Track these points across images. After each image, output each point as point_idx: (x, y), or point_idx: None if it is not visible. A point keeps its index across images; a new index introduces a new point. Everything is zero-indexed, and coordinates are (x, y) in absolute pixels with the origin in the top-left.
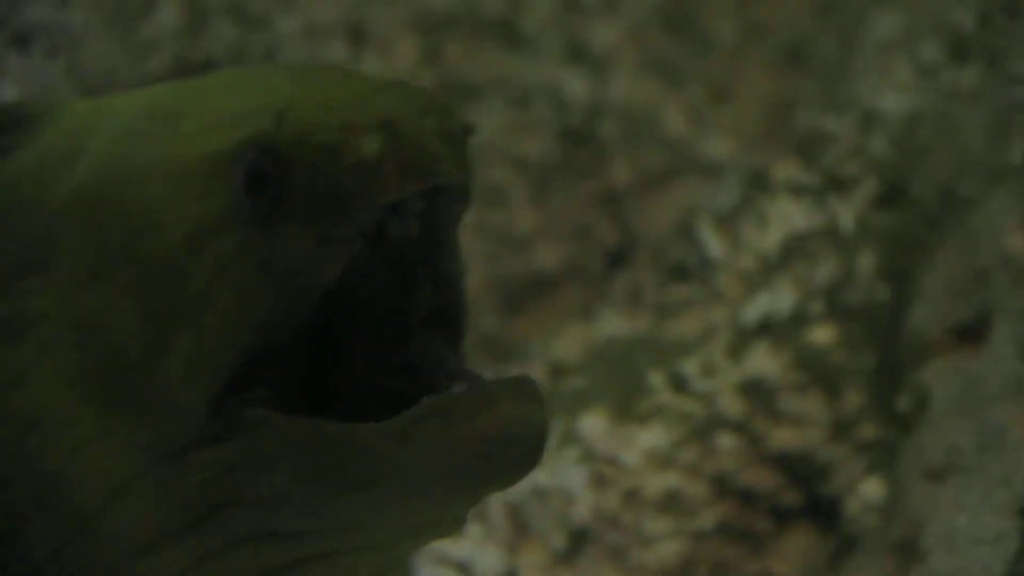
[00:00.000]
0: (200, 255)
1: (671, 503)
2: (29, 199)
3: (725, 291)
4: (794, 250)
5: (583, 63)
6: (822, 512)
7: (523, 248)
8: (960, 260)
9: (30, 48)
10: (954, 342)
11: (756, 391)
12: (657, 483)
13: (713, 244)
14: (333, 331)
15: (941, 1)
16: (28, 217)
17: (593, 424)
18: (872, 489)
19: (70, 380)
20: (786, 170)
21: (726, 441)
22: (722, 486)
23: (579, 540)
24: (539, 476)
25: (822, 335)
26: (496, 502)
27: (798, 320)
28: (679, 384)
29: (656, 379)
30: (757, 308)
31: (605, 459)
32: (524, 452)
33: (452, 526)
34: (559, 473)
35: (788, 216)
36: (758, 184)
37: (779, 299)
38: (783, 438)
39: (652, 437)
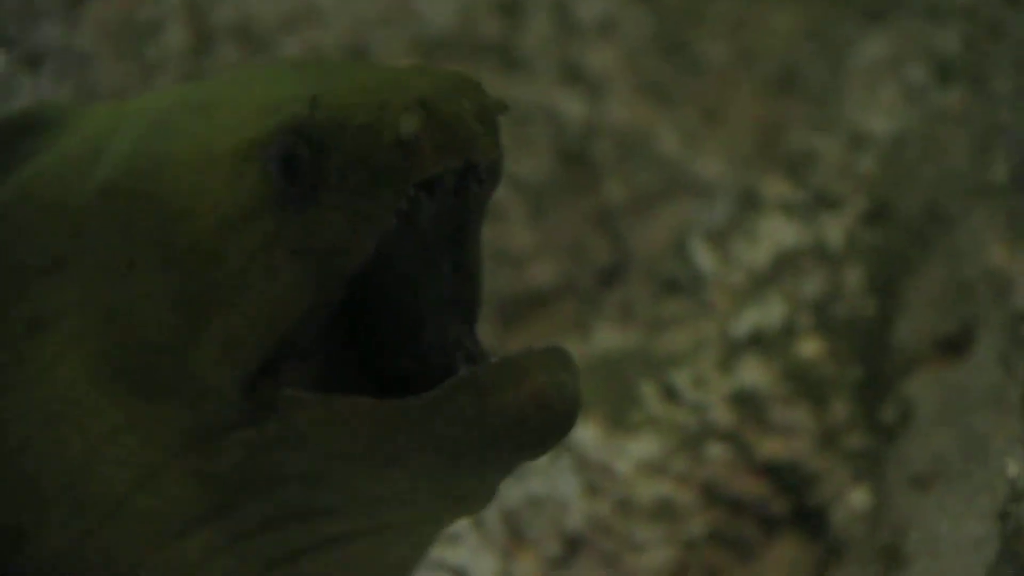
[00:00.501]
0: (234, 240)
1: (662, 511)
2: (51, 199)
3: (716, 305)
4: (784, 265)
5: (579, 85)
6: (809, 520)
7: (519, 264)
8: (944, 275)
9: (40, 69)
10: (938, 354)
11: (746, 402)
12: (649, 491)
13: (705, 260)
14: (356, 313)
15: (927, 25)
16: (50, 216)
17: (587, 434)
18: (858, 497)
19: (97, 371)
20: (776, 188)
21: (716, 451)
22: (712, 494)
23: (573, 547)
24: (534, 485)
25: (810, 348)
26: (492, 510)
27: (787, 333)
28: (671, 395)
29: (648, 390)
30: (747, 322)
31: (598, 468)
32: (557, 420)
33: (480, 502)
34: (553, 482)
35: (778, 233)
36: (749, 202)
37: (769, 313)
38: (772, 448)
39: (644, 447)
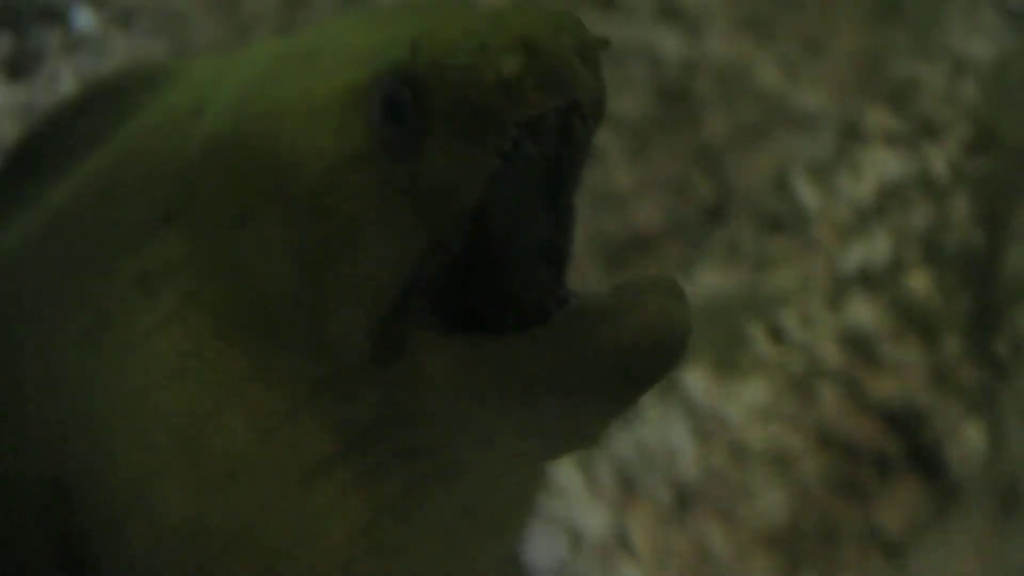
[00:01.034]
0: (344, 188)
1: (775, 456)
2: (157, 155)
3: (821, 242)
4: (888, 198)
5: (677, 21)
6: (924, 460)
7: (622, 206)
8: None
9: (133, 27)
10: None
11: (855, 340)
12: (760, 436)
13: (808, 195)
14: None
15: None
16: (158, 171)
17: (695, 380)
18: (973, 435)
19: (219, 325)
20: (879, 119)
21: (827, 392)
22: (824, 437)
23: (685, 496)
24: (644, 434)
25: (918, 281)
26: (602, 462)
27: (894, 268)
28: (778, 336)
29: (755, 332)
30: (854, 257)
31: (708, 414)
32: (668, 346)
33: (596, 435)
34: (663, 430)
35: (882, 165)
36: (851, 134)
37: (875, 248)
38: (883, 387)
39: (754, 391)
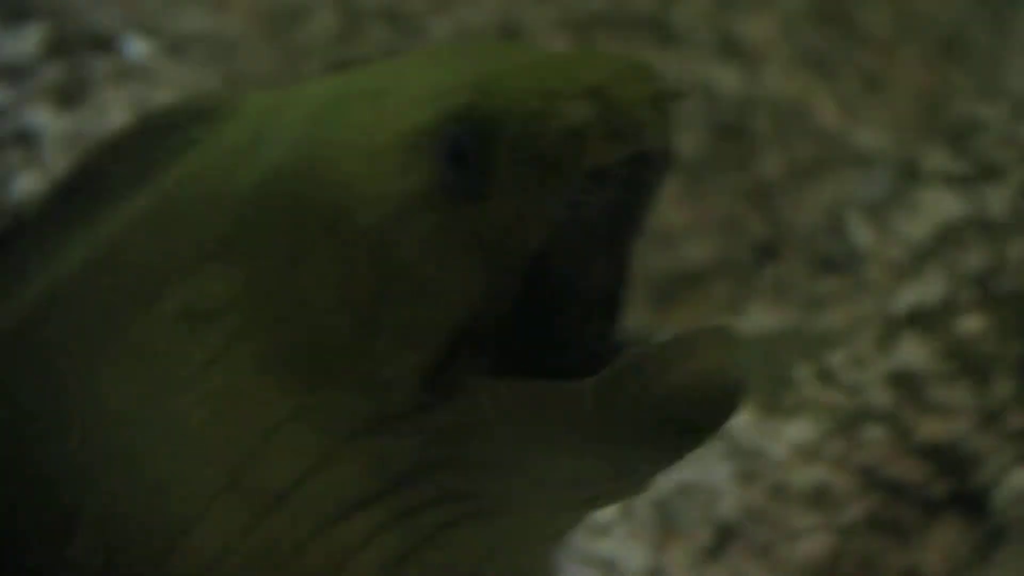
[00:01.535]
0: (405, 231)
1: (818, 496)
2: (213, 187)
3: (874, 282)
4: (945, 239)
5: (735, 57)
6: (970, 503)
7: (673, 242)
8: None
9: (186, 56)
10: None
11: (905, 382)
12: (804, 476)
13: (862, 235)
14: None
15: None
16: (212, 206)
17: (739, 418)
18: (1020, 479)
19: (266, 363)
20: (937, 159)
21: (874, 433)
22: (870, 478)
23: (725, 536)
24: (685, 471)
25: (972, 324)
26: (642, 499)
27: (948, 309)
28: (827, 377)
29: (803, 372)
30: (907, 298)
31: (751, 453)
32: (724, 398)
33: (644, 485)
34: (705, 468)
35: (939, 205)
36: (909, 174)
37: (929, 289)
38: (931, 429)
39: (799, 430)
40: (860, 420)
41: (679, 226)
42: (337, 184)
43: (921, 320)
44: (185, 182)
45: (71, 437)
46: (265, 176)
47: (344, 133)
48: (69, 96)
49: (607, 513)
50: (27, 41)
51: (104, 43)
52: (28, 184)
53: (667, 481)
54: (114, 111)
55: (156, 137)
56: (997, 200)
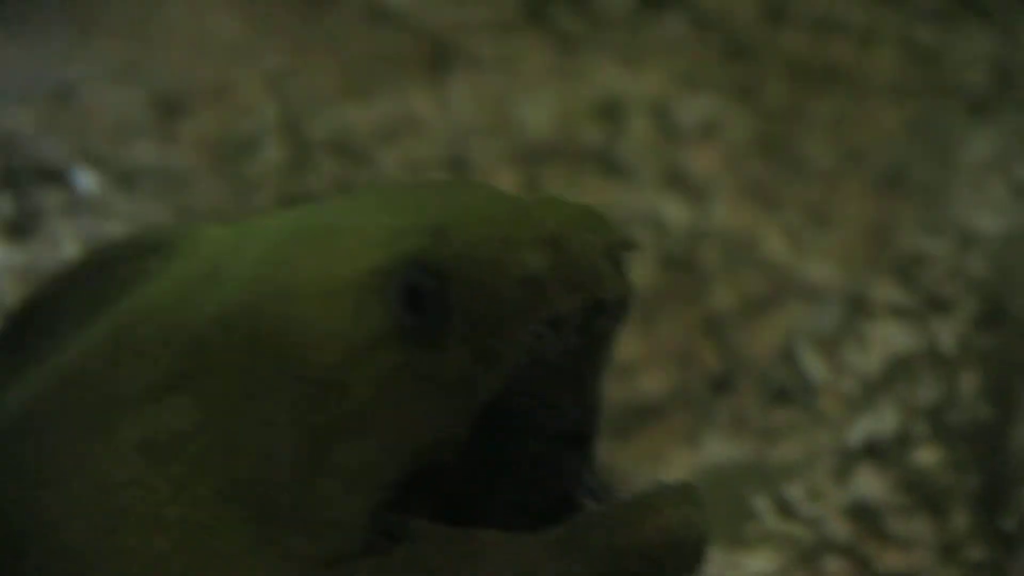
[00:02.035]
0: (359, 372)
1: None
2: (171, 320)
3: (828, 414)
4: (896, 371)
5: (682, 189)
6: None
7: (628, 374)
8: None
9: (135, 189)
10: None
11: (863, 514)
12: None
13: (815, 367)
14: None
15: None
16: (168, 338)
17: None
18: None
19: (223, 496)
20: (886, 292)
21: (834, 565)
22: None
23: None
24: None
25: (927, 456)
26: None
27: (902, 442)
28: (785, 509)
29: (762, 504)
30: (860, 430)
31: None
32: (688, 556)
33: None
34: None
35: (889, 338)
36: (858, 307)
37: (883, 421)
38: (891, 560)
39: (760, 562)
40: (820, 552)
41: (634, 358)
42: (292, 324)
43: (876, 452)
44: (140, 314)
45: (25, 569)
46: (221, 312)
47: (299, 273)
48: (19, 229)
49: None
50: None
51: (53, 175)
52: None
53: None
54: (65, 244)
55: (109, 269)
56: (946, 333)
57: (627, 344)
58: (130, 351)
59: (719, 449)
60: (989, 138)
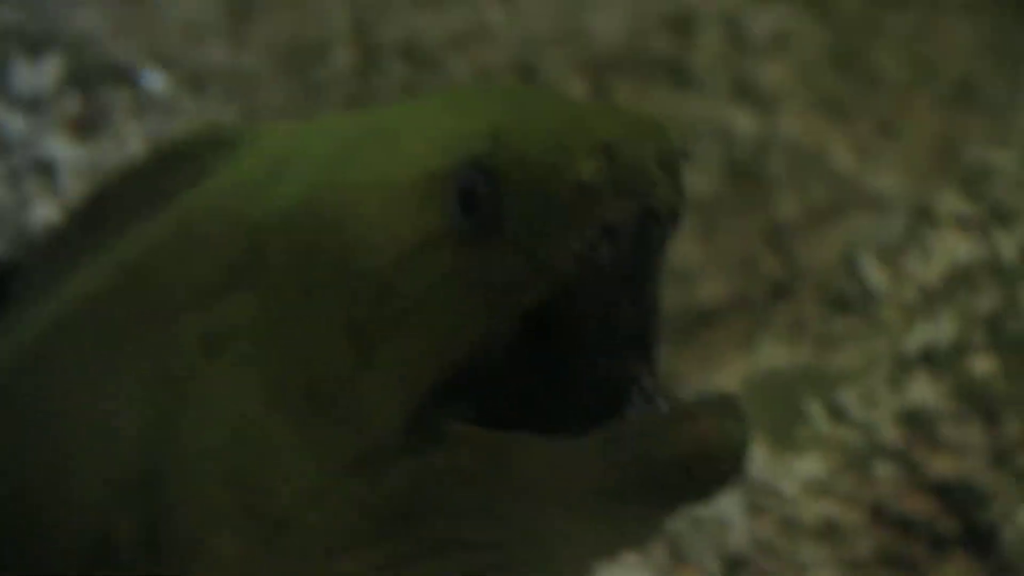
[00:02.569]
0: (412, 272)
1: (828, 531)
2: (231, 218)
3: (887, 322)
4: (957, 281)
5: (751, 101)
6: (979, 540)
7: (689, 281)
8: None
9: (204, 91)
10: None
11: (915, 420)
12: (814, 511)
13: (876, 276)
14: (531, 342)
15: None
16: (230, 235)
17: (751, 453)
18: None
19: (270, 391)
20: (950, 203)
21: (884, 470)
22: (879, 514)
23: (735, 568)
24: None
25: (983, 364)
26: None
27: (959, 350)
28: (838, 414)
29: (815, 409)
30: (918, 339)
31: (762, 487)
32: (722, 469)
33: (642, 539)
34: (716, 501)
35: (952, 248)
36: (923, 217)
37: (941, 330)
38: (941, 466)
39: (810, 466)
40: (871, 457)
41: (695, 265)
42: (350, 223)
43: (932, 360)
44: (204, 209)
45: (87, 456)
46: (282, 209)
47: (360, 174)
48: (87, 127)
49: None
50: (46, 73)
51: (122, 75)
52: (45, 214)
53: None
54: (131, 143)
55: (173, 165)
56: (1009, 244)
57: (689, 250)
58: (194, 246)
59: (776, 355)
60: None
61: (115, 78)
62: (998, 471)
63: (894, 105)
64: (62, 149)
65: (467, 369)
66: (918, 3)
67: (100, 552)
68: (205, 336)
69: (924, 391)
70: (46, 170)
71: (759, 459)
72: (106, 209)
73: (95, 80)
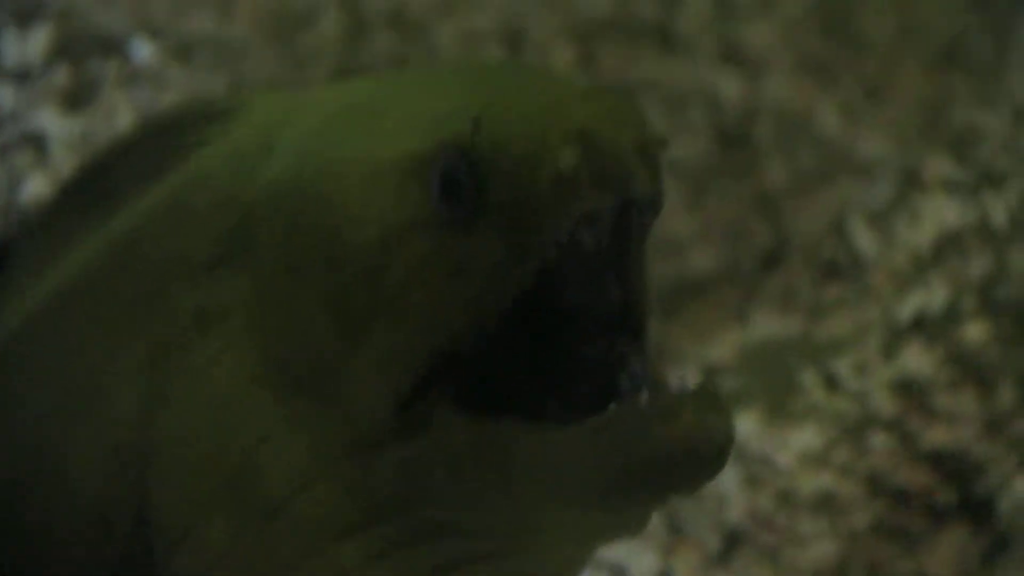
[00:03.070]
0: (395, 254)
1: (825, 503)
2: (222, 191)
3: (878, 289)
4: (947, 246)
5: (738, 65)
6: (976, 509)
7: (679, 251)
8: None
9: (191, 60)
10: None
11: (909, 389)
12: (811, 483)
13: (866, 242)
14: (517, 327)
15: None
16: (222, 209)
17: (746, 425)
18: None
19: (257, 371)
20: (939, 167)
21: (879, 440)
22: (876, 485)
23: (733, 541)
24: None
25: (975, 331)
26: None
27: (951, 316)
28: (832, 383)
29: (809, 379)
30: (910, 306)
31: (758, 460)
32: (705, 461)
33: (630, 531)
34: None
35: (941, 212)
36: (911, 182)
37: (932, 296)
38: (937, 436)
39: (805, 437)
40: (866, 427)
41: (684, 234)
42: (335, 203)
43: (925, 328)
44: (196, 182)
45: (83, 433)
46: (271, 187)
47: (345, 152)
48: (76, 99)
49: None
50: (34, 44)
51: (111, 46)
52: (36, 187)
53: None
54: (121, 114)
55: (165, 137)
56: (998, 208)
57: (678, 220)
58: (186, 220)
59: (768, 324)
60: None
61: (104, 49)
62: (993, 440)
63: (881, 68)
64: (52, 122)
65: (455, 353)
66: None
67: (99, 532)
68: (199, 312)
69: (917, 359)
70: (36, 143)
71: (755, 431)
72: (98, 183)
73: (84, 51)
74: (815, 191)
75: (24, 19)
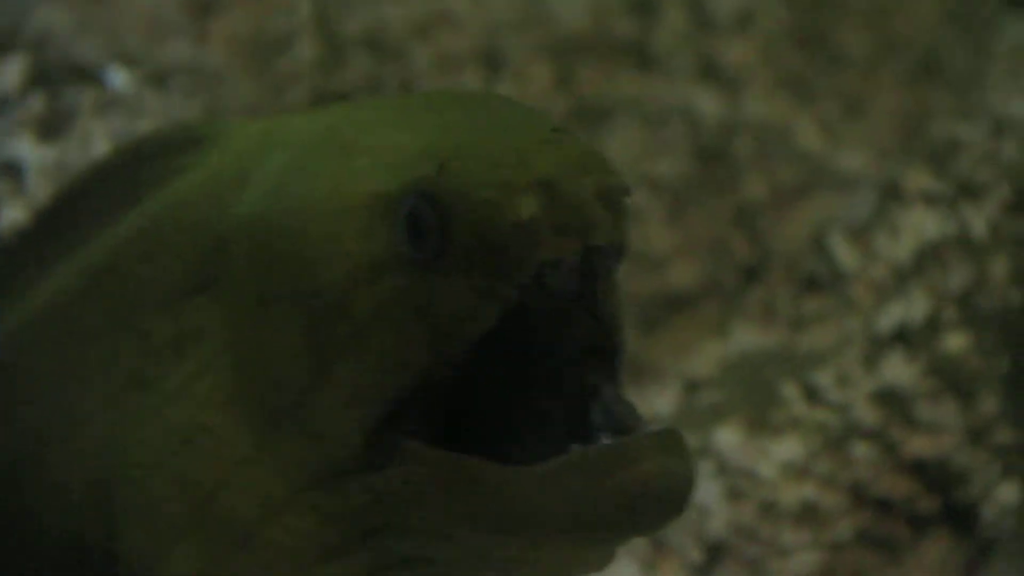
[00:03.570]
0: (362, 292)
1: (808, 514)
2: (199, 219)
3: (859, 301)
4: (927, 258)
5: (715, 81)
6: (959, 518)
7: (659, 266)
8: None
9: (168, 87)
10: None
11: (891, 399)
12: (793, 494)
13: (846, 255)
14: (487, 362)
15: None
16: (198, 237)
17: (728, 437)
18: (1009, 493)
19: (229, 399)
20: (918, 179)
21: (861, 450)
22: (858, 495)
23: (715, 553)
24: None
25: (956, 341)
26: None
27: (932, 328)
28: (813, 395)
29: (790, 391)
30: (891, 317)
31: (740, 472)
32: (665, 506)
33: (596, 564)
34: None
35: (921, 225)
36: (891, 195)
37: (913, 307)
38: (919, 445)
39: (787, 448)
40: (847, 438)
41: (665, 249)
42: (305, 240)
43: (906, 338)
44: (171, 210)
45: (60, 459)
46: (243, 218)
47: (315, 189)
48: (52, 127)
49: None
50: (10, 73)
51: (87, 74)
52: (13, 214)
53: None
54: (97, 142)
55: (139, 164)
56: (978, 219)
57: (659, 236)
58: (162, 248)
59: (749, 337)
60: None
61: (79, 77)
62: (975, 448)
63: (858, 81)
64: (28, 150)
65: (424, 387)
66: None
67: (78, 555)
68: (176, 338)
69: (898, 370)
70: (13, 172)
71: (737, 443)
72: (74, 210)
73: (59, 80)
74: (795, 205)
75: (0, 48)
